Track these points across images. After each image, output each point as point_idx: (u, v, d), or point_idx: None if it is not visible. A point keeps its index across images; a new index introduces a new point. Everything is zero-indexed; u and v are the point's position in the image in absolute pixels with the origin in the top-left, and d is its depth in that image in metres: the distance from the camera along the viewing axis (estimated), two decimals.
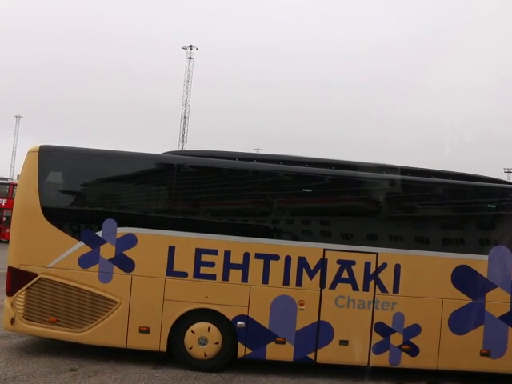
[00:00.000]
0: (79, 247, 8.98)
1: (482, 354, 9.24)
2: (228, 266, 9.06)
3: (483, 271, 9.33)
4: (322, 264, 9.16)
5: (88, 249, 8.99)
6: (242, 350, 9.06)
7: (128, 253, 9.00)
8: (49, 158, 9.21)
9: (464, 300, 9.27)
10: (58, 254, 8.97)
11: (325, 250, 9.17)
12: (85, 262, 8.97)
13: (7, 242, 11.48)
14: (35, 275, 8.96)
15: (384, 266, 9.21)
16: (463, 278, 9.29)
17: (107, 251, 9.00)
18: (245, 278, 9.07)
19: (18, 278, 9.00)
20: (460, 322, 9.23)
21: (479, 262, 9.32)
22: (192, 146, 59.43)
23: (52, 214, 9.05)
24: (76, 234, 9.06)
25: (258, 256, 9.09)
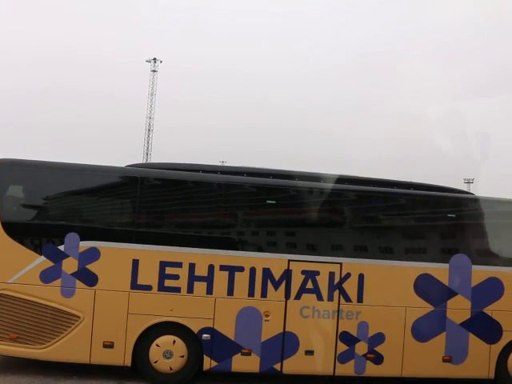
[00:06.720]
0: (41, 262, 8.82)
1: (444, 361, 9.43)
2: (193, 278, 9.02)
3: (444, 279, 9.54)
4: (287, 275, 9.21)
5: (50, 263, 8.83)
6: (208, 363, 9.01)
7: (91, 267, 8.88)
8: (9, 171, 9.05)
9: (426, 308, 9.45)
10: (18, 270, 8.78)
11: (289, 260, 9.22)
12: (46, 276, 8.81)
13: None
14: None
15: (348, 275, 9.32)
16: (425, 287, 9.47)
17: (69, 265, 8.85)
18: (210, 291, 9.04)
19: None
20: (423, 330, 9.39)
21: (440, 271, 9.54)
22: (156, 159, 59.04)
23: (12, 229, 8.87)
24: (37, 249, 8.88)
25: (222, 268, 9.08)
